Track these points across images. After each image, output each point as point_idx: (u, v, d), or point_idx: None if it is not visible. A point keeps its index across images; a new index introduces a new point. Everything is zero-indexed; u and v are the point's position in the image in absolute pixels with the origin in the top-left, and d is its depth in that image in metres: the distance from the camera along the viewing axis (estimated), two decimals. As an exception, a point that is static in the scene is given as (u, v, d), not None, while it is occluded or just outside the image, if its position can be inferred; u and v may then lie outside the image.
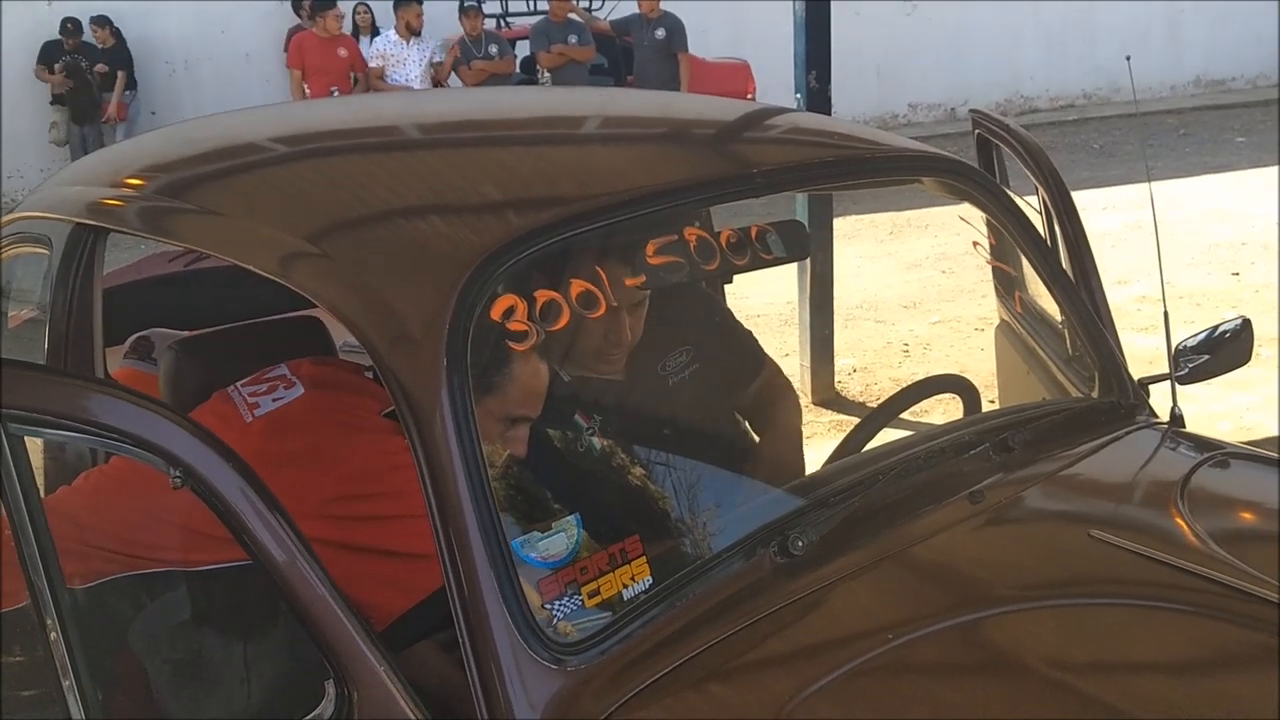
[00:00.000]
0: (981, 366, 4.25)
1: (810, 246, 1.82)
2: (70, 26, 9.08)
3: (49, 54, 9.19)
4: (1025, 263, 2.15)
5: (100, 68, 9.09)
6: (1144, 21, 12.88)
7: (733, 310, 2.17)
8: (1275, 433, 4.01)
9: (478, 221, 1.46)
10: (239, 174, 1.79)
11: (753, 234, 1.56)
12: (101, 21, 9.22)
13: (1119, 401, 1.78)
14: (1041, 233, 2.02)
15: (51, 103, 9.23)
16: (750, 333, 2.10)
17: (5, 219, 1.99)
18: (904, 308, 5.81)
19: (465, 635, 1.15)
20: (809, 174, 1.75)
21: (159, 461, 1.11)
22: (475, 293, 1.26)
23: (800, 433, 2.05)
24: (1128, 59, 2.04)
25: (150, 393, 1.95)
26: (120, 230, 1.74)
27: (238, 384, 1.59)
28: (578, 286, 1.38)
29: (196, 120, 2.21)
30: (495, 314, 1.29)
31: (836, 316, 4.71)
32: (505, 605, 1.16)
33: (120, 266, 2.95)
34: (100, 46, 9.25)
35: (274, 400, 1.53)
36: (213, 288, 2.65)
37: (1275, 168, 8.06)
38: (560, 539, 1.27)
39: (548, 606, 1.22)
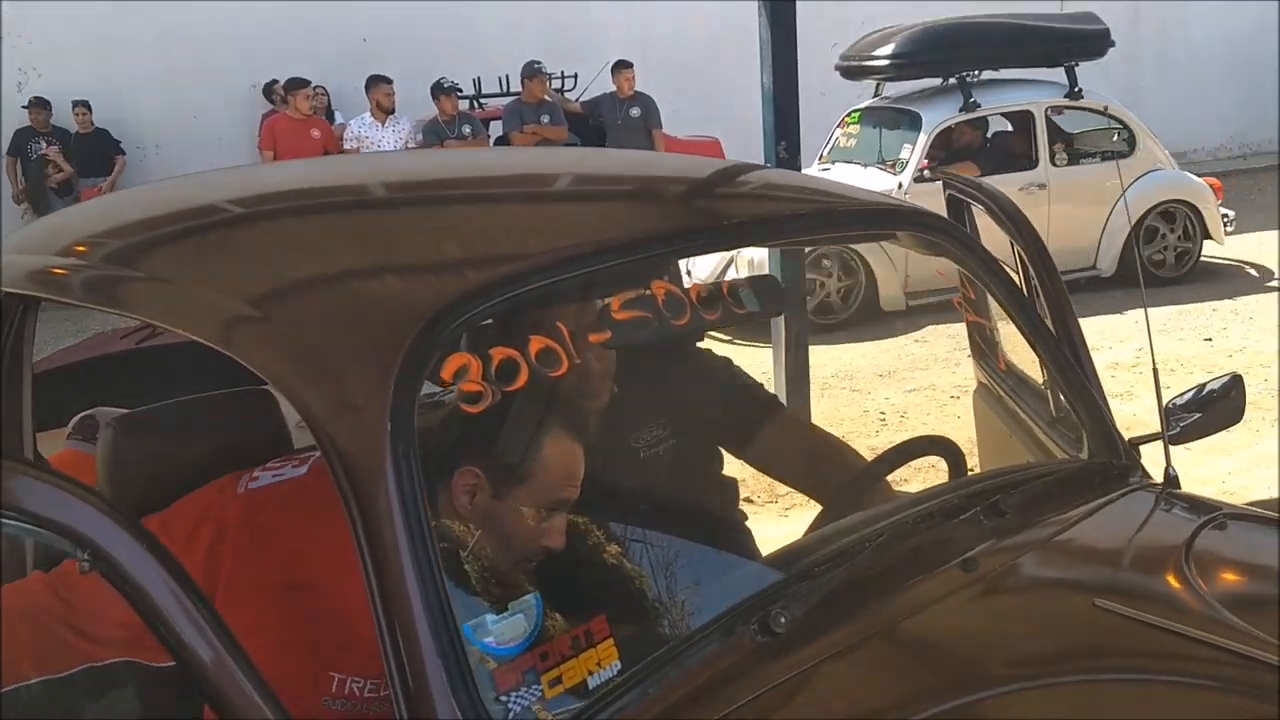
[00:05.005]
0: (959, 434, 4.14)
1: (784, 303, 1.75)
2: (35, 101, 9.02)
3: (19, 143, 9.13)
4: (1002, 321, 2.08)
5: (60, 174, 8.98)
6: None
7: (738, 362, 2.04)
8: (1262, 495, 3.94)
9: (428, 279, 1.38)
10: (183, 239, 1.70)
11: (724, 289, 1.49)
12: (85, 105, 9.15)
13: (1111, 462, 1.70)
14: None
15: (17, 203, 9.18)
16: (759, 384, 1.99)
17: None
18: (879, 376, 5.77)
19: (409, 732, 1.03)
20: (781, 227, 1.68)
21: (63, 542, 0.99)
22: (423, 353, 1.17)
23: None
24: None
25: (93, 476, 1.84)
26: (59, 300, 1.64)
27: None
28: (537, 343, 1.30)
29: (144, 186, 2.14)
30: (446, 374, 1.21)
31: (813, 386, 4.65)
32: (455, 698, 1.04)
33: (67, 346, 2.84)
34: (82, 132, 9.18)
35: (274, 476, 1.42)
36: (166, 366, 2.53)
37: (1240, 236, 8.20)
38: (518, 621, 1.15)
39: (503, 699, 1.10)
